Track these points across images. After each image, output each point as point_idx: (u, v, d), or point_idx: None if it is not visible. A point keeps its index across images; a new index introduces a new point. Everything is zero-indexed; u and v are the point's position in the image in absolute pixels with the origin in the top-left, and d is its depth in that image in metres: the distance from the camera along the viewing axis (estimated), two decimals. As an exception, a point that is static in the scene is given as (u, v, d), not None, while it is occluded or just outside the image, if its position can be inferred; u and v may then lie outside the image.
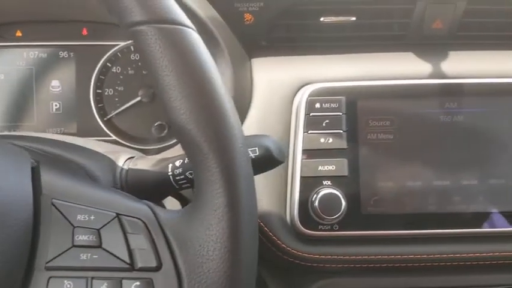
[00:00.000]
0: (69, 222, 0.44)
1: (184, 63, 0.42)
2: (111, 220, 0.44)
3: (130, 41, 0.91)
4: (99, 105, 0.86)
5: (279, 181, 0.73)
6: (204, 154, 0.42)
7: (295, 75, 0.76)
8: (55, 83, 0.88)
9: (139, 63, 0.91)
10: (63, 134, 0.87)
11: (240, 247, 0.42)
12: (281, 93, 0.76)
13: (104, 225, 0.44)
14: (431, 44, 0.82)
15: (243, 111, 0.75)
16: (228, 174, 0.42)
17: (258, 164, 0.56)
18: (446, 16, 0.79)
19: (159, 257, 0.43)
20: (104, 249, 0.43)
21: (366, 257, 0.72)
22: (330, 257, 0.72)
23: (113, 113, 0.86)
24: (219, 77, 0.44)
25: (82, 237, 0.43)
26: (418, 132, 0.73)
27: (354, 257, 0.72)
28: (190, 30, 0.44)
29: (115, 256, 0.43)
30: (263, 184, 0.72)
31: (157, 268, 0.42)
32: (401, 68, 0.77)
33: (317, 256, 0.72)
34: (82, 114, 0.86)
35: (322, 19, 0.78)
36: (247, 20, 0.78)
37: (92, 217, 0.44)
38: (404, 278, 0.75)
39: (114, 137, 0.86)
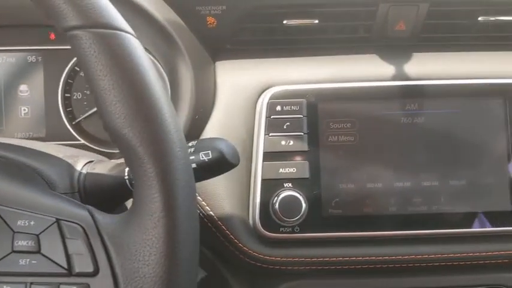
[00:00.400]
0: (9, 227, 0.44)
1: (118, 67, 0.42)
2: (50, 225, 0.44)
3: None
4: (68, 109, 0.86)
5: (242, 183, 0.73)
6: (139, 159, 0.42)
7: (259, 78, 0.77)
8: (23, 87, 0.88)
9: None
10: (32, 138, 0.87)
11: (177, 252, 0.43)
12: (245, 96, 0.76)
13: (43, 231, 0.44)
14: (396, 46, 0.82)
15: (205, 114, 0.75)
16: (164, 179, 0.42)
17: (211, 167, 0.56)
18: (409, 18, 0.79)
19: (96, 262, 0.43)
20: (43, 255, 0.43)
21: (328, 258, 0.72)
22: (291, 259, 0.72)
23: (82, 117, 0.86)
24: (156, 81, 0.44)
25: (21, 243, 0.44)
26: (379, 134, 0.73)
27: (316, 259, 0.72)
28: (126, 34, 0.44)
29: (53, 261, 0.43)
30: (225, 187, 0.73)
31: (94, 273, 0.43)
32: (365, 70, 0.77)
33: (278, 258, 0.72)
34: (50, 119, 0.87)
35: (285, 22, 0.79)
36: (210, 24, 0.78)
37: (32, 222, 0.44)
38: (366, 279, 0.75)
39: (82, 141, 0.86)
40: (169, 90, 0.77)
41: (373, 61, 0.79)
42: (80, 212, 0.45)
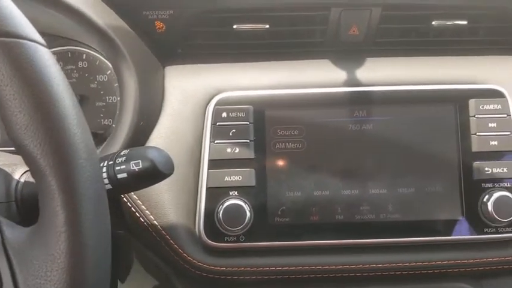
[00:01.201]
0: None
1: (20, 77, 0.41)
2: None
3: (52, 50, 0.90)
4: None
5: (189, 192, 0.72)
6: (41, 171, 0.41)
7: (209, 83, 0.75)
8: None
9: (63, 72, 0.90)
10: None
11: (81, 268, 0.41)
12: (193, 102, 0.74)
13: None
14: (350, 51, 0.81)
15: (151, 120, 0.73)
16: (66, 192, 0.41)
17: (142, 176, 0.55)
18: (362, 22, 0.78)
19: (0, 277, 0.41)
20: None
21: (274, 268, 0.71)
22: (237, 268, 0.71)
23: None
24: (63, 91, 0.43)
25: None
26: (327, 141, 0.72)
27: (262, 268, 0.71)
28: (32, 43, 0.42)
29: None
30: (171, 195, 0.71)
31: (-3, 289, 0.41)
32: (315, 76, 0.76)
33: (224, 268, 0.70)
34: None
35: (235, 27, 0.77)
36: (159, 28, 0.77)
37: None
38: (314, 288, 0.74)
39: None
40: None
41: (325, 66, 0.78)
42: None
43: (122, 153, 0.57)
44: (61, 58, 0.90)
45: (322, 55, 0.79)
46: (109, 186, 0.56)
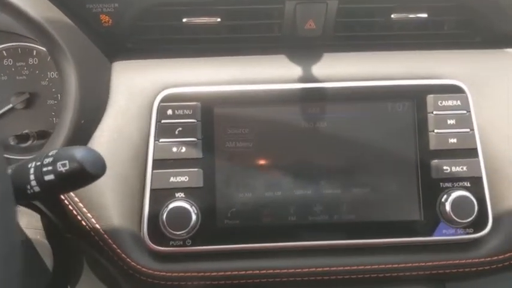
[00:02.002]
0: None
1: None
2: None
3: (2, 46, 0.86)
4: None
5: (134, 193, 0.68)
6: None
7: (157, 79, 0.72)
8: None
9: (13, 69, 0.86)
10: None
11: None
12: (140, 98, 0.71)
13: None
14: (309, 46, 0.77)
15: (93, 118, 0.70)
16: None
17: (70, 178, 0.52)
18: (319, 16, 0.74)
19: None
20: None
21: (223, 273, 0.67)
22: (183, 274, 0.67)
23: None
24: None
25: None
26: (279, 140, 0.69)
27: (210, 273, 0.67)
28: None
29: None
30: (115, 196, 0.68)
31: None
32: (269, 72, 0.73)
33: (170, 274, 0.67)
34: None
35: (184, 20, 0.74)
36: (105, 22, 0.73)
37: None
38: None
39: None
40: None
41: (280, 62, 0.74)
42: None
43: (50, 153, 0.53)
44: (11, 55, 0.86)
45: (279, 51, 0.76)
46: (37, 189, 0.53)
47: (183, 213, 0.65)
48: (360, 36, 0.78)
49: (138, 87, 0.72)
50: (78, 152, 0.52)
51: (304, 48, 0.77)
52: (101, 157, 0.53)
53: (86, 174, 0.51)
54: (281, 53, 0.76)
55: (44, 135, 0.85)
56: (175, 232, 0.65)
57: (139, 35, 0.76)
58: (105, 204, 0.67)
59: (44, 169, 0.52)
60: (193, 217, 0.65)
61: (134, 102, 0.71)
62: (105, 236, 0.67)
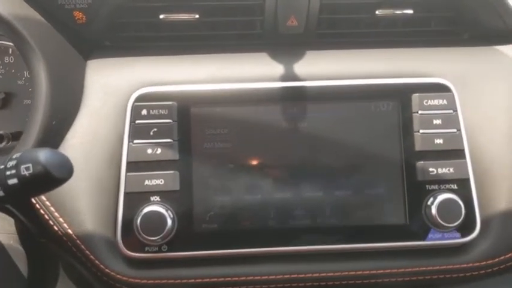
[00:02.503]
0: None
1: None
2: None
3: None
4: None
5: (109, 197, 0.66)
6: None
7: (132, 78, 0.69)
8: None
9: (-13, 68, 0.84)
10: None
11: None
12: (116, 98, 0.68)
13: None
14: (292, 45, 0.75)
15: (66, 119, 0.67)
16: None
17: (34, 182, 0.49)
18: (301, 12, 0.72)
19: None
20: None
21: (201, 280, 0.65)
22: (159, 281, 0.64)
23: None
24: None
25: None
26: (259, 141, 0.66)
27: (187, 280, 0.65)
28: None
29: None
30: (88, 200, 0.65)
31: None
32: (249, 71, 0.70)
33: (145, 281, 0.64)
34: None
35: (162, 17, 0.71)
36: (79, 19, 0.70)
37: None
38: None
39: None
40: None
41: (261, 60, 0.72)
42: None
43: (14, 156, 0.50)
44: (-14, 53, 0.84)
45: (260, 48, 0.74)
46: (1, 193, 0.50)
47: (157, 217, 0.62)
48: (343, 34, 0.76)
49: (113, 86, 0.69)
50: (43, 155, 0.49)
51: (286, 45, 0.75)
52: (67, 159, 0.50)
53: (50, 178, 0.49)
54: (262, 51, 0.73)
55: (19, 136, 0.82)
56: (149, 238, 0.62)
57: (115, 32, 0.73)
58: (78, 208, 0.64)
59: (7, 173, 0.50)
60: (169, 222, 0.62)
61: (109, 102, 0.68)
62: (78, 241, 0.64)
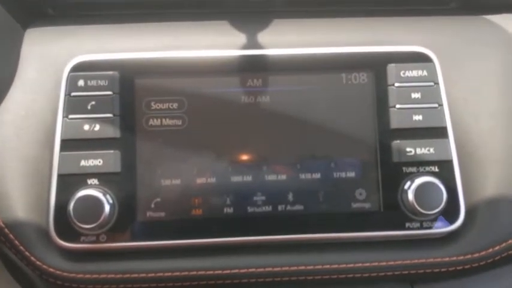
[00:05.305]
0: None
1: None
2: None
3: None
4: None
5: (41, 180, 0.58)
6: None
7: (72, 46, 0.62)
8: None
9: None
10: None
11: None
12: (53, 70, 0.61)
13: None
14: (259, 13, 0.67)
15: (-2, 92, 0.59)
16: None
17: None
18: (266, -25, 0.64)
19: None
20: None
21: (145, 274, 0.57)
22: (98, 276, 0.57)
23: None
24: None
25: None
26: (213, 117, 0.59)
27: (130, 275, 0.57)
28: None
29: None
30: (18, 184, 0.57)
31: None
32: (203, 39, 0.63)
33: (81, 275, 0.56)
34: None
35: (107, -20, 0.63)
36: (16, -18, 0.63)
37: None
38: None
39: None
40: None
41: (220, 28, 0.64)
42: None
43: None
44: None
45: (220, 17, 0.66)
46: None
47: (93, 203, 0.54)
48: (314, 1, 0.68)
49: (52, 56, 0.62)
50: None
51: (249, 14, 0.67)
52: None
53: None
54: (222, 19, 0.65)
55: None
56: (84, 226, 0.55)
57: (57, 1, 0.65)
58: (7, 192, 0.57)
59: None
60: (107, 208, 0.55)
61: (45, 73, 0.61)
62: (6, 230, 0.56)
